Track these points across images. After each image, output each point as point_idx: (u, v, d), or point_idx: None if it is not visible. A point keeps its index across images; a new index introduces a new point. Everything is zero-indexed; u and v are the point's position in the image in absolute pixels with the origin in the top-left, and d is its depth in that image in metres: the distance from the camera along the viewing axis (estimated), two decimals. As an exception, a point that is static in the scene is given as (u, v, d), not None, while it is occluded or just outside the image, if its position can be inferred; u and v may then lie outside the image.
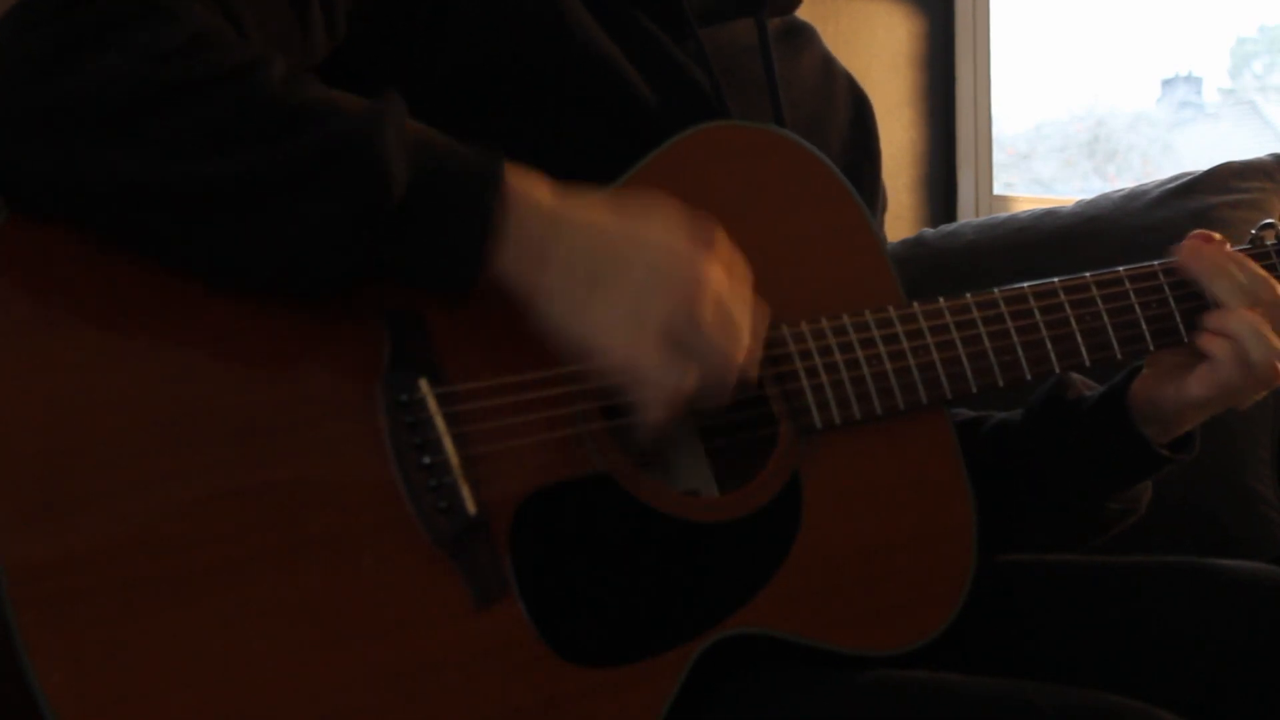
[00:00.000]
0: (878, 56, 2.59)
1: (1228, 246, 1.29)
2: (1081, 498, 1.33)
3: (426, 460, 1.00)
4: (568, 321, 1.01)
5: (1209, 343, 1.24)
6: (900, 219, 2.60)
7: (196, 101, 0.94)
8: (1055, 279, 1.25)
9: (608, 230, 1.02)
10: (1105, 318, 1.25)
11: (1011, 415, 1.36)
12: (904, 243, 2.27)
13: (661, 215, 1.05)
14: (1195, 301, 1.27)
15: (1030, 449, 1.33)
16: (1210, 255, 1.26)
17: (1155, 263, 1.29)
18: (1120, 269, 1.27)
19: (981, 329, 1.21)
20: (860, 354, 1.17)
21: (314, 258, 0.96)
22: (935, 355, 1.19)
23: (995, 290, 1.23)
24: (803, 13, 1.45)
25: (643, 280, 1.00)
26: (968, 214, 2.67)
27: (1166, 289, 1.27)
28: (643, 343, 1.00)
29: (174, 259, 0.97)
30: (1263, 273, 1.26)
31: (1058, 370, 1.24)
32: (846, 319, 1.17)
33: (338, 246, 0.96)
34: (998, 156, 2.77)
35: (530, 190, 1.01)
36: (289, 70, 0.99)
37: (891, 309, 1.19)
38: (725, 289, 1.03)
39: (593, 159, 1.14)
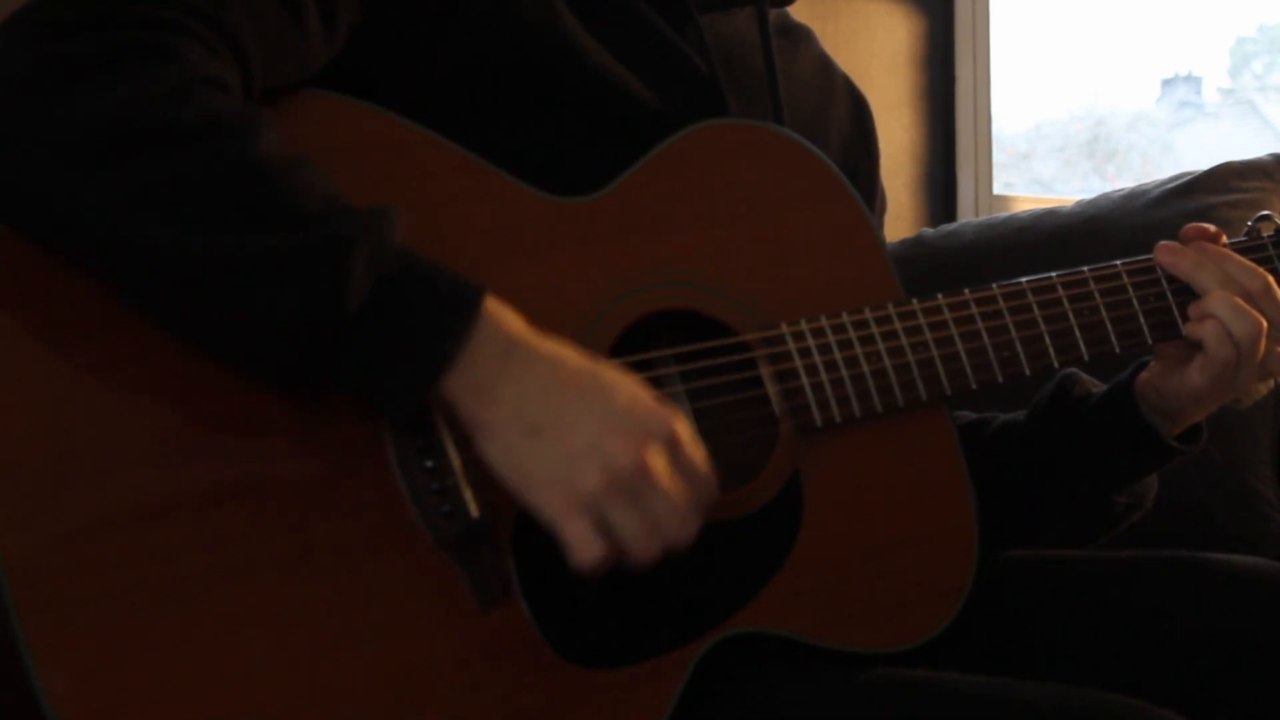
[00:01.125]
0: (877, 56, 2.59)
1: (1224, 239, 1.30)
2: (1090, 492, 1.33)
3: (429, 463, 1.00)
4: (501, 464, 0.98)
5: (1195, 329, 1.25)
6: (900, 219, 2.60)
7: (174, 155, 0.93)
8: (1053, 274, 1.25)
9: (559, 384, 0.98)
10: (1103, 312, 1.25)
11: (1015, 416, 1.37)
12: (904, 243, 2.27)
13: (627, 389, 1.00)
14: (1192, 295, 1.28)
15: (1038, 446, 1.33)
16: (1188, 250, 1.27)
17: (1153, 256, 1.29)
18: (1118, 263, 1.27)
19: (980, 325, 1.21)
20: (860, 352, 1.17)
21: (258, 353, 0.95)
22: (935, 352, 1.19)
23: (994, 286, 1.23)
24: (802, 13, 1.45)
25: (581, 444, 0.96)
26: (968, 214, 2.67)
27: (1164, 282, 1.28)
28: (569, 502, 0.96)
29: (125, 300, 0.96)
30: (1248, 263, 1.26)
31: (1056, 365, 1.24)
32: (846, 317, 1.17)
33: (282, 347, 0.94)
34: (998, 156, 2.77)
35: (498, 328, 0.97)
36: (278, 144, 0.96)
37: (891, 306, 1.19)
38: (666, 482, 0.98)
39: (591, 157, 1.14)
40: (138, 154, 0.92)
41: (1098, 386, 1.32)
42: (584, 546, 0.97)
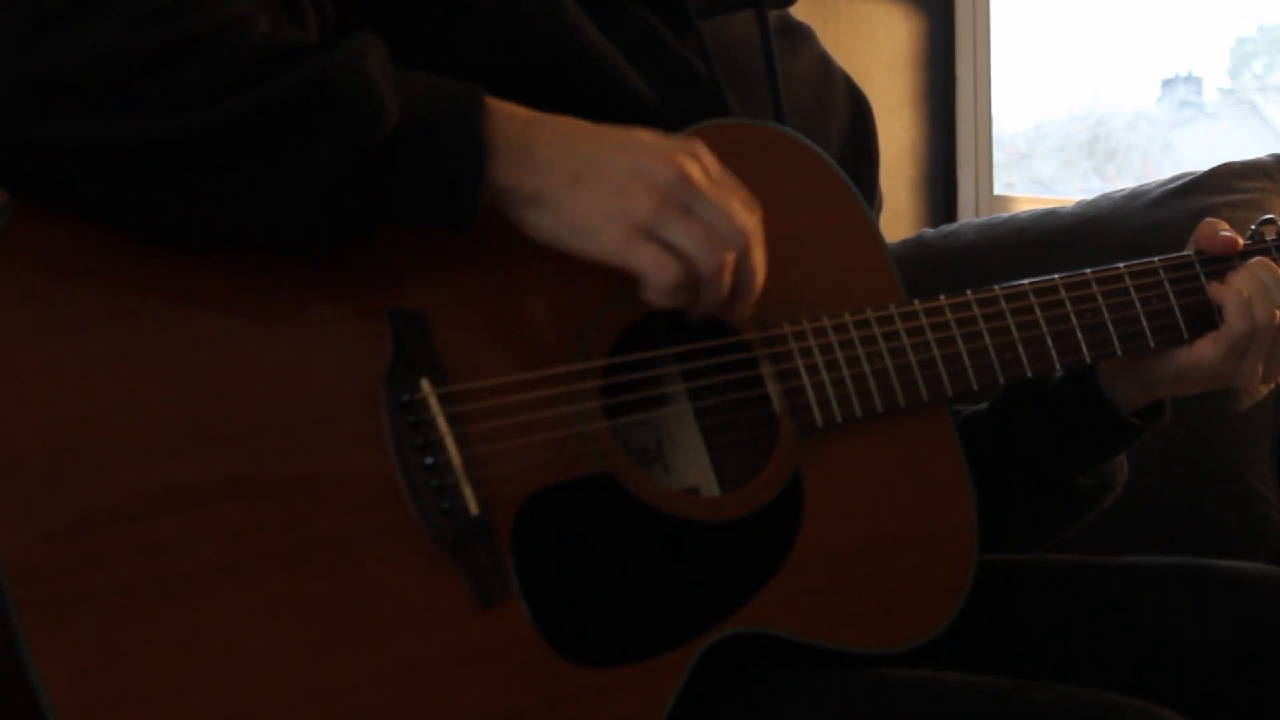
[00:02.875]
0: (877, 56, 2.59)
1: (1240, 242, 1.31)
2: (1055, 474, 1.33)
3: (429, 461, 1.00)
4: (556, 223, 1.01)
5: (1219, 291, 1.27)
6: (900, 219, 2.60)
7: (185, 57, 0.94)
8: (1056, 275, 1.25)
9: (586, 133, 1.03)
10: (1106, 314, 1.25)
11: (981, 407, 1.37)
12: (904, 243, 2.27)
13: (645, 131, 1.05)
14: (1196, 297, 1.28)
15: (1001, 430, 1.33)
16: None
17: (1156, 259, 1.29)
18: (1120, 265, 1.27)
19: (982, 326, 1.21)
20: (861, 352, 1.17)
21: (314, 200, 0.96)
22: (936, 352, 1.19)
23: (996, 287, 1.23)
24: (802, 13, 1.45)
25: (622, 176, 1.01)
26: (968, 214, 2.68)
27: (1167, 284, 1.28)
28: (627, 233, 1.01)
29: (173, 227, 0.97)
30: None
31: (1059, 367, 1.24)
32: (848, 317, 1.17)
33: (337, 182, 0.95)
34: (998, 156, 2.77)
35: (507, 105, 1.02)
36: (274, 24, 0.98)
37: (892, 306, 1.19)
38: (707, 184, 1.03)
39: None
40: (150, 70, 0.93)
41: None
42: (658, 269, 1.01)
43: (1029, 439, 1.32)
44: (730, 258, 1.03)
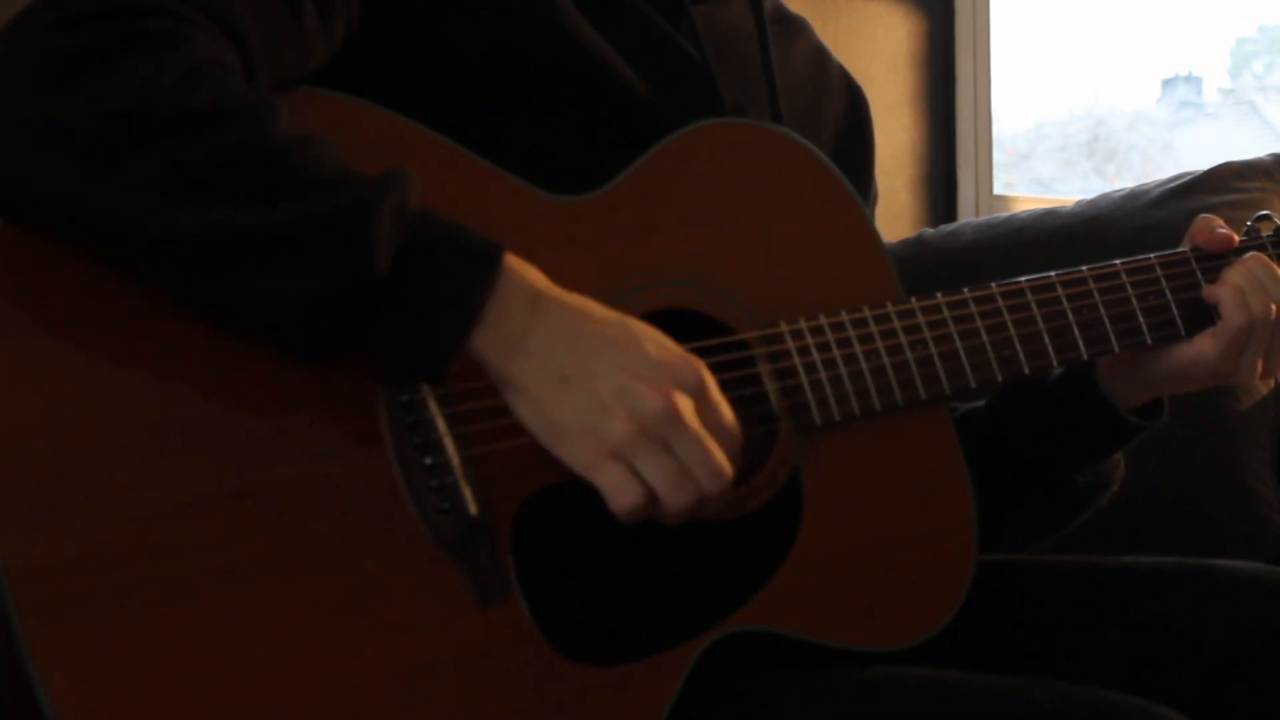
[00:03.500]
0: (877, 56, 2.59)
1: (1236, 238, 1.31)
2: (1052, 472, 1.33)
3: (428, 461, 1.00)
4: (533, 416, 0.99)
5: (1213, 290, 1.26)
6: (900, 219, 2.59)
7: (190, 139, 0.93)
8: (1053, 273, 1.25)
9: (590, 329, 0.99)
10: (1102, 310, 1.25)
11: (977, 405, 1.36)
12: (904, 243, 2.27)
13: (654, 339, 1.01)
14: (1193, 293, 1.28)
15: (998, 427, 1.33)
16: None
17: (1152, 255, 1.29)
18: (1117, 262, 1.27)
19: (980, 324, 1.21)
20: (859, 350, 1.17)
21: (286, 323, 0.95)
22: (934, 350, 1.19)
23: (993, 285, 1.23)
24: (802, 12, 1.45)
25: (609, 393, 0.98)
26: (968, 214, 2.67)
27: (1163, 281, 1.28)
28: (600, 450, 0.98)
29: (149, 286, 0.97)
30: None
31: (1055, 364, 1.24)
32: (845, 316, 1.17)
33: (310, 316, 0.94)
34: (998, 156, 2.77)
35: (522, 279, 0.99)
36: (290, 124, 0.97)
37: (889, 305, 1.19)
38: (694, 425, 0.99)
39: (584, 148, 1.15)
40: (153, 141, 0.92)
41: None
42: (619, 492, 0.98)
43: (1026, 437, 1.32)
44: (695, 500, 1.00)
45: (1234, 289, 1.26)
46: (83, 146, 0.92)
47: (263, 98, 0.97)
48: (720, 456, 1.00)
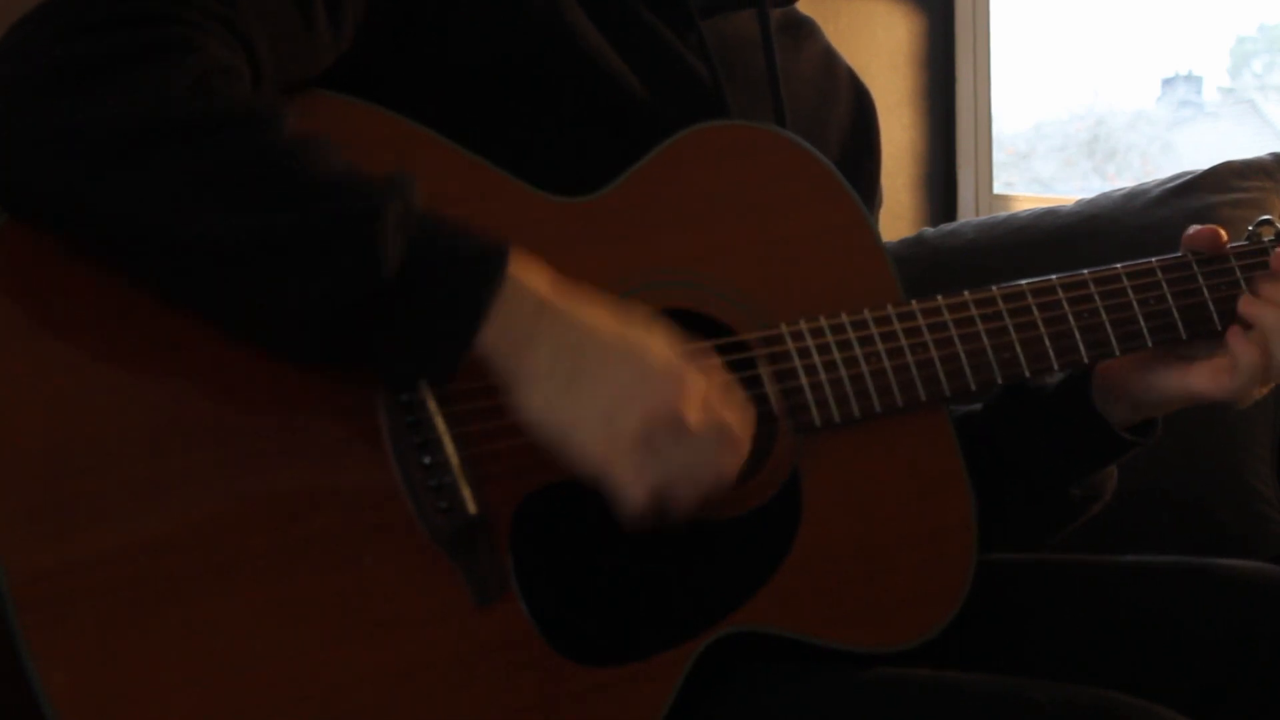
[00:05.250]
0: (877, 55, 2.59)
1: (1224, 237, 1.30)
2: (1045, 484, 1.33)
3: (427, 460, 1.00)
4: (544, 414, 0.98)
5: (1238, 342, 1.24)
6: (900, 218, 2.60)
7: (201, 145, 0.93)
8: (1053, 276, 1.25)
9: (595, 333, 0.99)
10: (1103, 314, 1.25)
11: (974, 407, 1.36)
12: (904, 242, 2.27)
13: (659, 333, 1.02)
14: (1194, 299, 1.28)
15: (993, 436, 1.32)
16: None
17: (1154, 259, 1.29)
18: (1118, 266, 1.27)
19: (980, 327, 1.21)
20: (859, 352, 1.17)
21: (296, 328, 0.95)
22: (934, 353, 1.19)
23: (993, 288, 1.23)
24: (802, 10, 1.45)
25: (621, 388, 0.98)
26: (968, 213, 2.67)
27: (1164, 286, 1.27)
28: (614, 446, 0.98)
29: (157, 293, 0.97)
30: None
31: (1056, 368, 1.24)
32: (845, 318, 1.17)
33: (320, 321, 0.94)
34: (998, 156, 2.77)
35: (529, 279, 0.99)
36: (297, 128, 0.97)
37: (890, 307, 1.19)
38: (703, 415, 0.99)
39: (590, 157, 1.14)
40: (165, 148, 0.93)
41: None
42: (629, 493, 0.98)
43: (1019, 448, 1.32)
44: (711, 485, 1.01)
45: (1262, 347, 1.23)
46: (94, 152, 0.92)
47: (270, 104, 0.98)
48: (736, 430, 1.01)
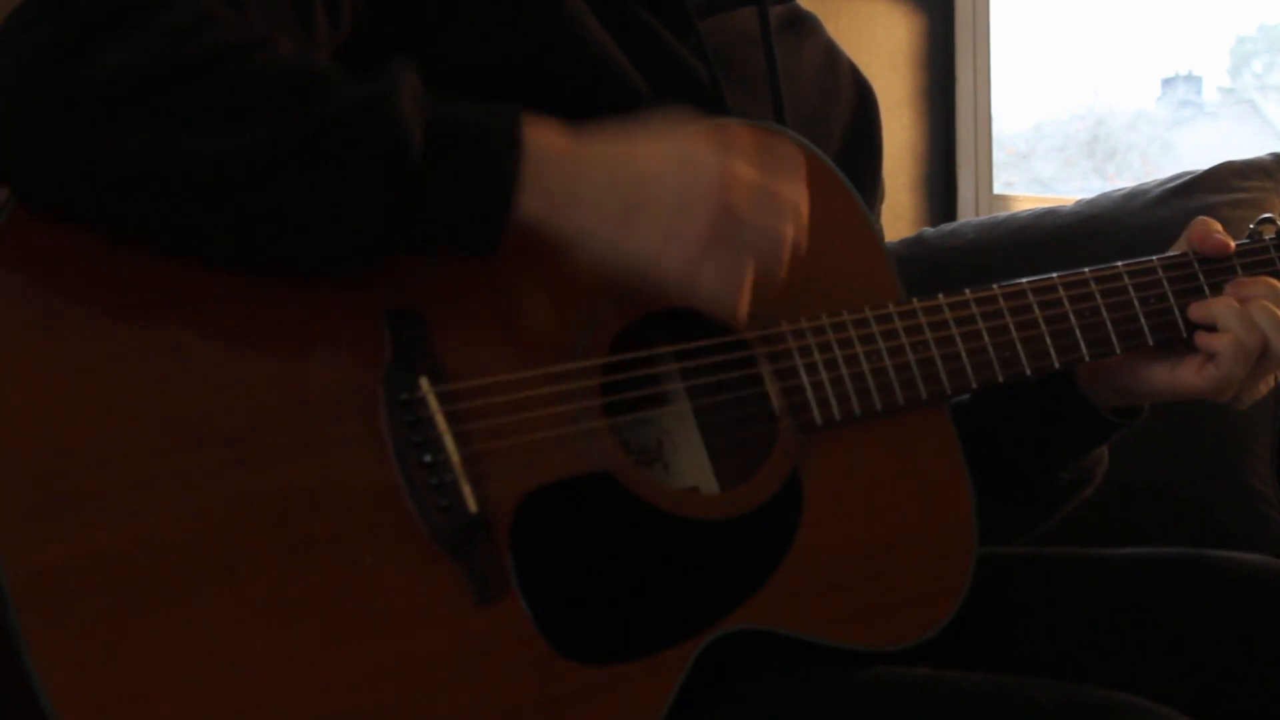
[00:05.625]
0: (877, 55, 2.59)
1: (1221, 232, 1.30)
2: (1034, 468, 1.33)
3: (427, 459, 1.00)
4: (611, 255, 1.01)
5: (1207, 341, 1.25)
6: (900, 218, 2.60)
7: (210, 77, 0.95)
8: (1054, 274, 1.25)
9: (628, 160, 1.02)
10: (1104, 312, 1.25)
11: (962, 398, 1.37)
12: (904, 242, 2.27)
13: (677, 130, 1.05)
14: (1194, 297, 1.28)
15: (979, 423, 1.32)
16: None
17: (1154, 257, 1.29)
18: (1119, 264, 1.27)
19: (981, 325, 1.21)
20: (860, 351, 1.17)
21: (339, 225, 0.96)
22: (935, 351, 1.19)
23: (994, 286, 1.23)
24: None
25: (673, 198, 1.01)
26: (968, 213, 2.67)
27: (1165, 284, 1.27)
28: (691, 254, 1.01)
29: (196, 244, 0.98)
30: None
31: (1057, 365, 1.24)
32: (846, 316, 1.17)
33: (361, 211, 0.96)
34: (998, 156, 2.77)
35: (547, 137, 1.01)
36: (296, 48, 0.99)
37: (891, 305, 1.19)
38: (754, 177, 1.03)
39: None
40: (173, 87, 0.94)
41: None
42: (726, 290, 1.02)
43: (1006, 435, 1.32)
44: (790, 241, 1.05)
45: (1234, 341, 1.23)
46: (104, 109, 0.93)
47: (263, 33, 0.99)
48: (786, 192, 1.04)
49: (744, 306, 1.03)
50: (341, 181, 0.95)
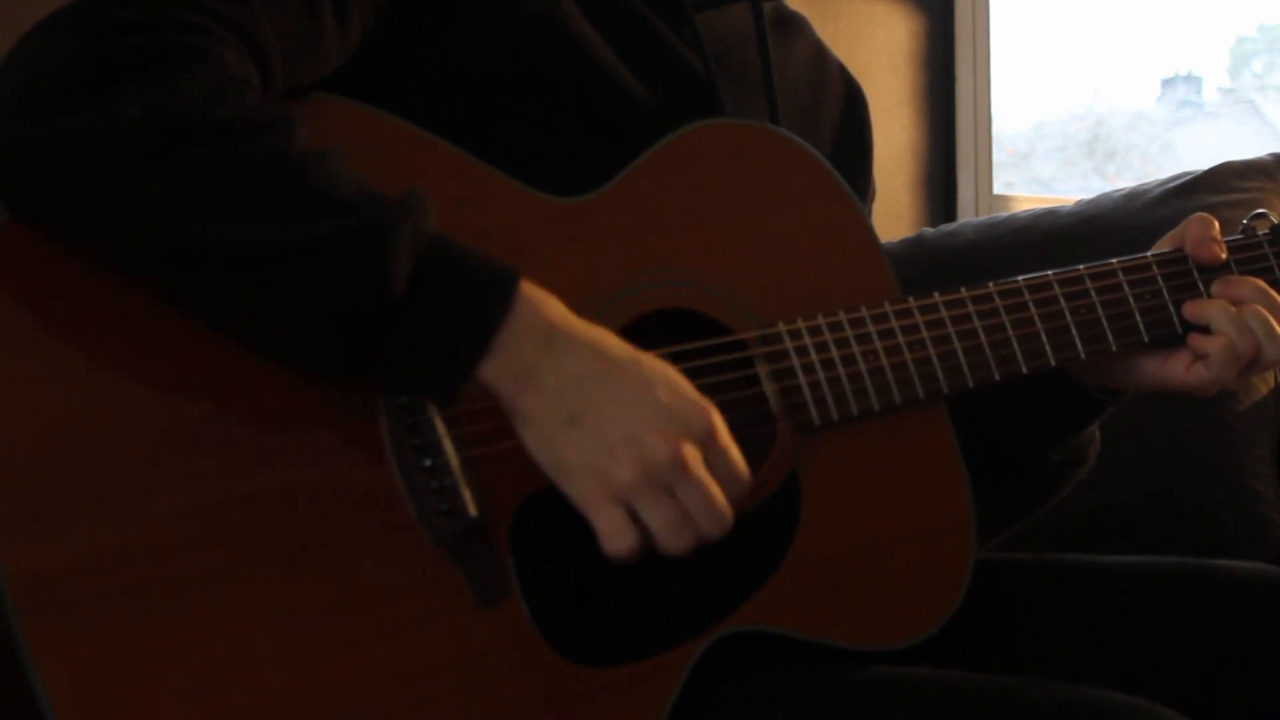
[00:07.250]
0: (877, 55, 2.59)
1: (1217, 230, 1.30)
2: (1022, 450, 1.33)
3: (427, 462, 1.00)
4: (539, 451, 0.99)
5: (1200, 343, 1.25)
6: (900, 219, 2.60)
7: (209, 153, 0.94)
8: (1050, 272, 1.25)
9: (602, 374, 0.99)
10: (1099, 310, 1.25)
11: None
12: (904, 242, 2.27)
13: (667, 378, 1.01)
14: (1189, 294, 1.28)
15: (967, 405, 1.32)
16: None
17: (1149, 254, 1.29)
18: (1114, 261, 1.27)
19: (977, 324, 1.21)
20: (857, 350, 1.17)
21: (303, 342, 0.96)
22: (931, 350, 1.19)
23: (990, 285, 1.23)
24: (802, 11, 1.45)
25: (620, 435, 0.98)
26: (968, 213, 2.67)
27: (1160, 280, 1.27)
28: (598, 497, 0.98)
29: (167, 299, 0.97)
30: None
31: (1053, 363, 1.24)
32: (842, 315, 1.17)
33: (329, 334, 0.95)
34: (997, 156, 2.77)
35: (538, 311, 0.99)
36: (308, 139, 0.97)
37: (887, 305, 1.19)
38: (696, 477, 0.99)
39: (589, 158, 1.15)
40: (178, 154, 0.93)
41: None
42: (615, 536, 0.99)
43: (993, 419, 1.32)
44: (694, 543, 1.01)
45: (1227, 344, 1.23)
46: (104, 157, 0.92)
47: (283, 113, 0.98)
48: (723, 503, 1.00)
49: (626, 559, 1.00)
50: (313, 298, 0.93)
